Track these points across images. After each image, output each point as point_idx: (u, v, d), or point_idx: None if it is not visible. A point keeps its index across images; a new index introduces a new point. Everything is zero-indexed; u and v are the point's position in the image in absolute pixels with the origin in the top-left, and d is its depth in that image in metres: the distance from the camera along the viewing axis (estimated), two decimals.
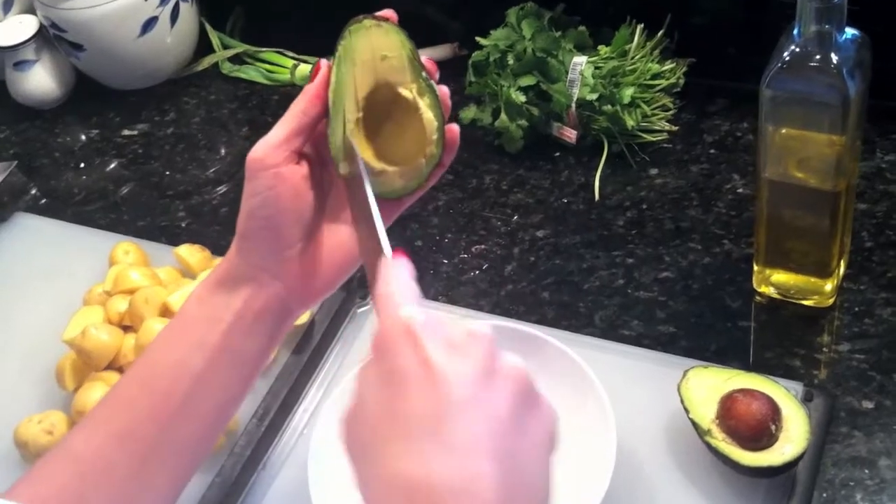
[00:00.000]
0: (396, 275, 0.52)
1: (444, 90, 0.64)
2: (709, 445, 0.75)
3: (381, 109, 0.64)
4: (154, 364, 0.65)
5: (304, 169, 0.63)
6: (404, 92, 0.63)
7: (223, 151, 1.22)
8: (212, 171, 1.19)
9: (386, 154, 0.65)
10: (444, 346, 0.48)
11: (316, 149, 0.65)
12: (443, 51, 1.24)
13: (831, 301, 0.88)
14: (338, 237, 0.66)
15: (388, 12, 0.64)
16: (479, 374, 0.47)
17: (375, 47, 0.62)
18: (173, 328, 0.66)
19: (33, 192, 1.20)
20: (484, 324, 0.50)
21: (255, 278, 0.64)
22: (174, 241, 1.06)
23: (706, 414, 0.76)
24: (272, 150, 0.62)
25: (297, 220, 0.63)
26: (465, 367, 0.47)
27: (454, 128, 0.64)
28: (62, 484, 0.62)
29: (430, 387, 0.46)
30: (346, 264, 0.67)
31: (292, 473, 0.83)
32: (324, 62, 0.63)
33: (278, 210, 0.62)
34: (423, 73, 0.63)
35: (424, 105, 0.63)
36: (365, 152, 0.63)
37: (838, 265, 0.87)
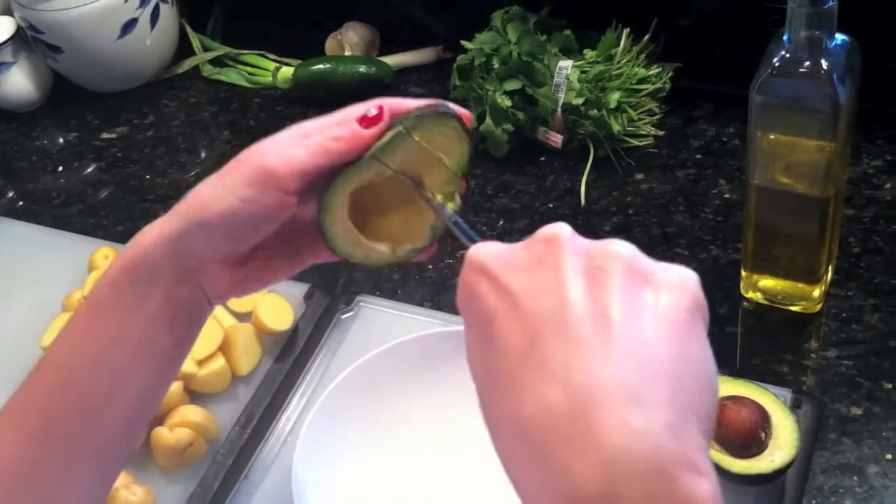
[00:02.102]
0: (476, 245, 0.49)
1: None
2: None
3: (392, 186, 0.61)
4: (71, 358, 0.60)
5: (297, 208, 0.59)
6: (429, 196, 0.61)
7: (204, 154, 1.20)
8: (192, 174, 1.17)
9: (364, 222, 0.62)
10: (512, 269, 0.44)
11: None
12: (427, 54, 1.23)
13: (819, 307, 0.88)
14: (280, 258, 0.63)
15: (467, 114, 0.61)
16: (562, 279, 0.42)
17: (440, 145, 0.60)
18: (89, 317, 0.61)
19: (10, 195, 1.18)
20: (555, 226, 0.45)
21: (182, 267, 0.60)
22: None
23: None
24: (292, 175, 0.57)
25: (257, 237, 0.60)
26: (542, 279, 0.43)
27: (434, 251, 0.64)
28: None
29: (511, 313, 0.43)
30: (276, 278, 0.64)
31: (276, 482, 0.82)
32: (386, 112, 0.59)
33: (252, 223, 0.59)
34: (457, 196, 0.61)
35: (429, 224, 0.62)
36: (344, 207, 0.61)
37: (826, 271, 0.86)
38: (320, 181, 0.60)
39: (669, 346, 0.41)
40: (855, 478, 0.76)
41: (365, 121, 0.58)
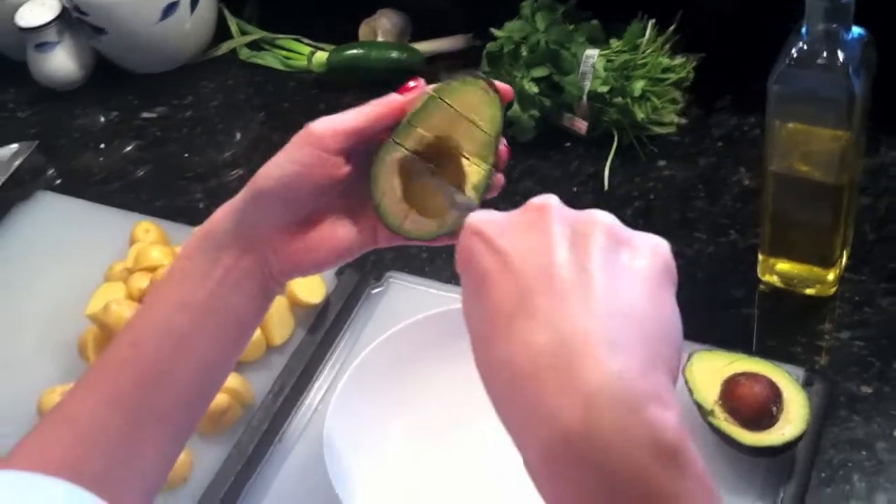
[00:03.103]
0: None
1: (500, 179, 0.67)
2: (711, 426, 0.78)
3: (436, 155, 0.66)
4: (141, 326, 0.65)
5: (344, 168, 0.64)
6: (465, 164, 0.65)
7: (240, 135, 1.24)
8: (228, 154, 1.21)
9: (410, 196, 0.66)
10: (504, 232, 0.49)
11: (359, 157, 0.66)
12: (457, 41, 1.26)
13: (833, 290, 0.91)
14: (337, 234, 0.67)
15: (506, 87, 0.65)
16: (547, 241, 0.47)
17: (474, 107, 0.64)
18: (161, 285, 0.66)
19: (51, 171, 1.23)
20: (544, 196, 0.50)
21: (247, 237, 0.65)
22: (192, 221, 1.08)
23: (709, 396, 0.79)
24: (333, 134, 0.63)
25: (311, 203, 0.65)
26: (530, 241, 0.48)
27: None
28: (59, 449, 0.62)
29: (502, 270, 0.47)
30: (337, 256, 0.68)
31: (308, 448, 0.86)
32: (422, 83, 0.65)
33: (303, 187, 0.64)
34: (492, 157, 0.65)
35: (471, 185, 0.65)
36: (393, 178, 0.65)
37: (840, 256, 0.89)
38: (367, 153, 0.65)
39: (642, 301, 0.46)
40: (863, 452, 0.79)
41: (402, 90, 0.65)
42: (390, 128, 0.65)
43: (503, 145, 0.66)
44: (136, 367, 0.64)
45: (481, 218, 0.50)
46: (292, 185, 0.63)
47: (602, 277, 0.46)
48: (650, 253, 0.48)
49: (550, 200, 0.50)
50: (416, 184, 0.66)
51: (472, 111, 0.64)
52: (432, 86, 0.65)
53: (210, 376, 0.67)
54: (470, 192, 0.65)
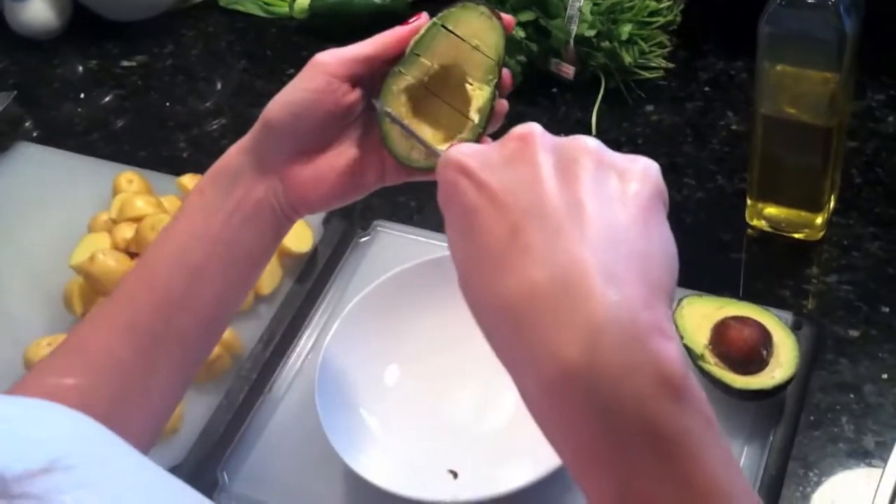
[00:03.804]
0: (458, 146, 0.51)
1: (503, 105, 0.67)
2: (701, 370, 0.78)
3: (440, 86, 0.66)
4: (155, 257, 0.67)
5: (352, 95, 0.65)
6: (469, 86, 0.65)
7: (221, 84, 1.22)
8: (210, 102, 1.19)
9: (418, 126, 0.67)
10: (488, 165, 0.47)
11: (367, 89, 0.67)
12: None
13: (821, 234, 0.91)
14: (345, 165, 0.67)
15: (509, 17, 0.66)
16: (536, 171, 0.46)
17: (475, 33, 0.65)
18: (175, 219, 0.67)
19: (29, 123, 1.21)
20: (526, 125, 0.48)
21: (259, 169, 0.66)
22: (176, 171, 1.07)
23: (699, 340, 0.79)
24: (340, 61, 0.64)
25: (322, 132, 0.66)
26: (516, 173, 0.46)
27: (488, 141, 0.66)
28: (71, 377, 0.63)
29: (491, 206, 0.46)
30: (345, 190, 0.68)
31: (298, 397, 0.86)
32: (425, 16, 0.66)
33: (312, 114, 0.65)
34: (496, 82, 0.65)
35: (475, 107, 0.65)
36: (400, 108, 0.66)
37: (829, 200, 0.89)
38: (374, 83, 0.66)
39: (637, 228, 0.45)
40: (851, 395, 0.80)
41: (406, 23, 0.66)
42: (396, 59, 0.65)
43: (506, 72, 0.66)
44: (150, 296, 0.65)
45: (463, 151, 0.48)
46: (302, 112, 0.65)
47: (594, 206, 0.44)
48: (641, 176, 0.46)
49: (533, 129, 0.48)
50: (423, 114, 0.67)
51: (474, 37, 0.65)
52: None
53: (220, 309, 0.68)
54: (474, 115, 0.65)
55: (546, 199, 0.45)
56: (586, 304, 0.42)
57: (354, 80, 0.65)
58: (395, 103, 0.65)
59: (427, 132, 0.67)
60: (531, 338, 0.43)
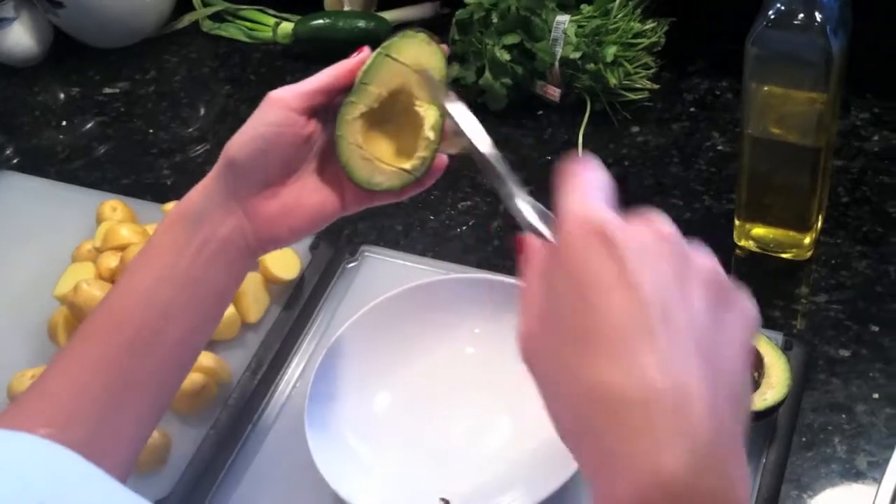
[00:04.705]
0: (587, 173, 0.49)
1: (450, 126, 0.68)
2: None
3: (391, 112, 0.69)
4: (122, 297, 0.67)
5: (310, 126, 0.68)
6: (418, 106, 0.68)
7: (205, 109, 1.22)
8: (194, 128, 1.19)
9: (375, 152, 0.70)
10: (637, 250, 0.44)
11: (325, 121, 0.69)
12: (425, 9, 1.25)
13: (809, 254, 0.91)
14: (309, 196, 0.69)
15: (444, 46, 0.70)
16: (675, 277, 0.45)
17: (419, 58, 0.68)
18: (142, 257, 0.68)
19: (10, 150, 1.20)
20: (663, 219, 0.47)
21: (224, 207, 0.67)
22: (160, 198, 1.06)
23: None
24: (295, 95, 0.67)
25: (283, 164, 0.68)
26: (660, 272, 0.44)
27: (444, 159, 0.70)
28: (42, 417, 0.63)
29: (629, 295, 0.44)
30: (310, 221, 0.70)
31: (287, 425, 0.85)
32: (367, 49, 0.69)
33: (274, 146, 0.67)
34: (444, 102, 0.66)
35: (428, 125, 0.68)
36: (356, 136, 0.68)
37: (816, 219, 0.89)
38: (329, 114, 0.68)
39: (739, 365, 0.46)
40: (843, 415, 0.80)
41: (352, 55, 0.69)
42: (348, 90, 0.68)
43: (451, 92, 0.68)
44: (119, 337, 0.65)
45: (605, 217, 0.45)
46: (264, 146, 0.66)
47: (713, 334, 0.45)
48: (747, 316, 0.47)
49: (674, 230, 0.47)
50: (379, 139, 0.70)
51: (417, 62, 0.68)
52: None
53: (188, 345, 0.69)
54: (429, 133, 0.68)
55: (677, 310, 0.44)
56: (697, 427, 0.42)
57: (310, 113, 0.68)
58: (351, 131, 0.68)
59: (386, 155, 0.69)
60: (633, 441, 0.42)
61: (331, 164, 0.69)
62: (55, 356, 0.68)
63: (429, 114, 0.68)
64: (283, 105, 0.66)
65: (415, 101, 0.68)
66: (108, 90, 1.26)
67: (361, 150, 0.68)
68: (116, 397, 0.65)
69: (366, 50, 0.69)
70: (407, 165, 0.69)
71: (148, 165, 1.14)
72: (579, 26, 1.06)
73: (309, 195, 0.69)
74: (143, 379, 0.66)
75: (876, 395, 0.81)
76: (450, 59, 1.14)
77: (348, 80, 0.68)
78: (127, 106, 1.23)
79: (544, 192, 1.01)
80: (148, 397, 0.67)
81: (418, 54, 0.68)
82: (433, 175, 0.70)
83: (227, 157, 0.67)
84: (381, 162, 0.69)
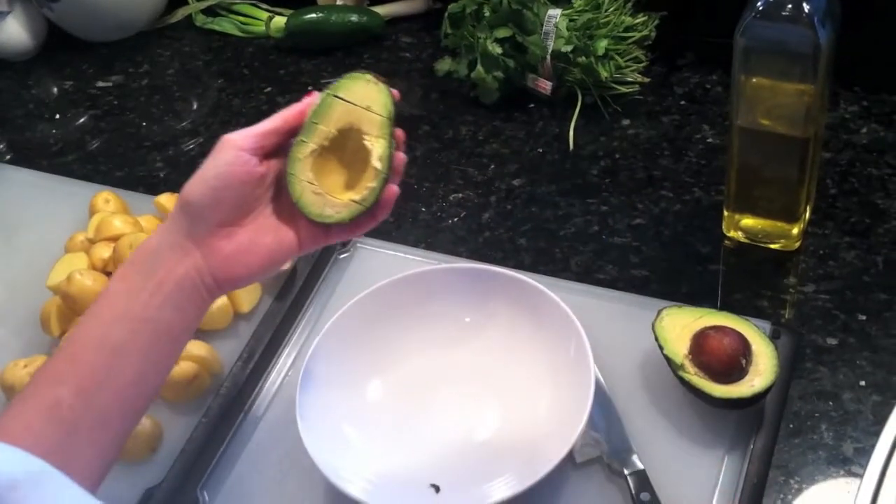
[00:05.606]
0: None
1: (400, 157, 0.72)
2: (682, 380, 0.78)
3: (342, 151, 0.72)
4: (78, 340, 0.67)
5: (262, 168, 0.70)
6: (367, 141, 0.71)
7: (198, 103, 1.22)
8: (187, 122, 1.19)
9: (326, 184, 0.72)
10: None
11: (280, 164, 0.71)
12: (417, 4, 1.25)
13: (797, 245, 0.91)
14: (264, 236, 0.71)
15: (395, 91, 0.72)
16: None
17: (365, 97, 0.71)
18: (98, 302, 0.68)
19: (3, 144, 1.20)
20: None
21: (181, 247, 0.68)
22: (152, 190, 1.07)
23: (679, 350, 0.79)
24: (246, 136, 0.69)
25: (238, 203, 0.69)
26: None
27: (394, 190, 0.72)
28: None
29: None
30: (266, 261, 0.71)
31: (278, 414, 0.86)
32: (315, 93, 0.72)
33: (227, 185, 0.68)
34: (391, 138, 0.71)
35: (376, 156, 0.70)
36: (307, 173, 0.71)
37: (805, 210, 0.90)
38: (280, 155, 0.71)
39: None
40: (830, 403, 0.80)
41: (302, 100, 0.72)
42: (298, 130, 0.71)
43: (398, 130, 0.72)
44: (74, 376, 0.65)
45: None
46: (218, 185, 0.68)
47: None
48: None
49: None
50: (332, 176, 0.72)
51: (364, 100, 0.71)
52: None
53: (141, 387, 0.69)
54: (377, 163, 0.70)
55: None
56: None
57: (263, 154, 0.69)
58: (302, 168, 0.70)
59: (338, 190, 0.72)
60: None
61: (286, 204, 0.71)
62: (13, 399, 0.68)
63: (376, 146, 0.70)
64: (234, 146, 0.68)
65: (363, 136, 0.71)
66: (101, 84, 1.26)
67: (313, 186, 0.70)
68: (68, 439, 0.64)
69: (314, 94, 0.72)
70: (357, 197, 0.71)
71: (141, 158, 1.15)
72: (571, 20, 1.07)
73: (265, 235, 0.70)
74: (95, 420, 0.65)
75: (863, 383, 0.81)
76: (443, 53, 1.15)
77: (297, 122, 0.71)
78: (120, 99, 1.24)
79: (537, 185, 1.03)
80: (100, 438, 0.66)
81: (365, 94, 0.71)
82: (384, 207, 0.72)
83: (182, 199, 0.69)
84: (331, 196, 0.71)
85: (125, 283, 0.68)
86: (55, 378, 0.66)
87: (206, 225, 0.68)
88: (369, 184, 0.71)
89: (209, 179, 0.68)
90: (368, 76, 0.71)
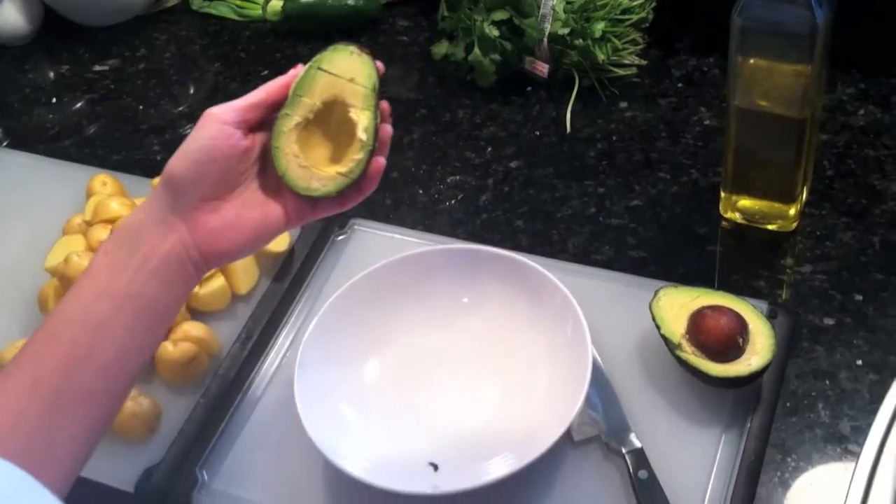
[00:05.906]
0: None
1: (386, 129, 0.72)
2: (679, 359, 0.79)
3: (328, 123, 0.71)
4: (60, 315, 0.66)
5: (247, 141, 0.69)
6: (352, 113, 0.70)
7: (195, 87, 1.22)
8: (184, 106, 1.19)
9: (312, 158, 0.71)
10: None
11: (263, 137, 0.71)
12: None
13: (794, 225, 0.92)
14: (250, 210, 0.70)
15: (379, 63, 0.72)
16: None
17: (349, 69, 0.70)
18: (81, 280, 0.67)
19: (1, 129, 1.20)
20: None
21: (165, 221, 0.67)
22: (149, 173, 1.06)
23: (676, 330, 0.79)
24: (229, 109, 0.68)
25: (222, 178, 0.69)
26: None
27: (381, 162, 0.71)
28: None
29: None
30: (253, 235, 0.70)
31: (277, 395, 0.86)
32: (300, 65, 0.71)
33: (210, 159, 0.68)
34: (376, 109, 0.71)
35: (362, 128, 0.70)
36: (292, 146, 0.70)
37: (801, 191, 0.90)
38: (265, 129, 0.70)
39: None
40: (827, 382, 0.81)
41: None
42: (283, 104, 0.70)
43: (383, 102, 0.72)
44: (54, 353, 0.64)
45: None
46: (202, 158, 0.67)
47: None
48: None
49: None
50: (318, 149, 0.71)
51: (348, 72, 0.70)
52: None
53: (128, 362, 0.68)
54: (362, 134, 0.70)
55: None
56: None
57: (247, 127, 0.69)
58: (287, 141, 0.70)
59: (324, 163, 0.71)
60: None
61: (273, 179, 0.70)
62: None
63: (361, 117, 0.70)
64: (217, 119, 0.68)
65: (349, 108, 0.70)
66: (98, 68, 1.26)
67: (298, 159, 0.70)
68: (51, 415, 0.63)
69: (299, 66, 0.71)
70: (343, 169, 0.70)
71: (138, 142, 1.15)
72: (568, 2, 1.07)
73: (251, 209, 0.70)
74: (79, 397, 0.64)
75: (859, 362, 0.82)
76: (439, 36, 1.15)
77: (281, 95, 0.70)
78: (117, 84, 1.23)
79: (534, 167, 1.03)
80: (84, 416, 0.65)
81: (349, 66, 0.70)
82: (371, 179, 0.71)
83: (165, 174, 0.68)
84: (317, 169, 0.70)
85: (108, 258, 0.67)
86: (35, 356, 0.65)
87: (190, 199, 0.68)
88: (355, 156, 0.70)
89: (192, 153, 0.68)
90: (352, 48, 0.71)
